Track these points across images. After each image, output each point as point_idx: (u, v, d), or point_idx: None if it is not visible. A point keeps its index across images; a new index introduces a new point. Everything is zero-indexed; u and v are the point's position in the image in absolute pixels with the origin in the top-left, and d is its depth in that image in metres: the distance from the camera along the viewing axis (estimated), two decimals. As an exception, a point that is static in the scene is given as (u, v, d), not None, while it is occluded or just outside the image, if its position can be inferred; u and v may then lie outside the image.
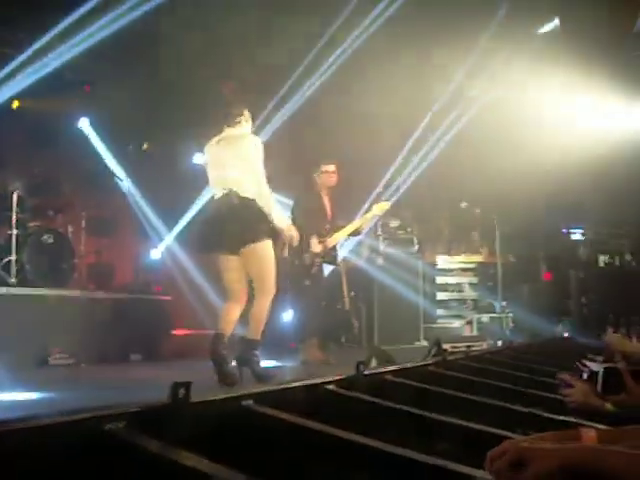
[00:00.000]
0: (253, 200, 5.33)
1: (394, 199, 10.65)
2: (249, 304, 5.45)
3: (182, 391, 2.23)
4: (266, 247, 5.29)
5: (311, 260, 7.14)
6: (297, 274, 7.18)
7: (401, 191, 10.89)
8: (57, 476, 1.96)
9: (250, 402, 2.51)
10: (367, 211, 7.86)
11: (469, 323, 10.72)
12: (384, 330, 10.33)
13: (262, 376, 5.15)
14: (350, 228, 7.54)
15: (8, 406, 4.08)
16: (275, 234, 5.42)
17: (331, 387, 2.99)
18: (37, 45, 7.98)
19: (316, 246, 7.18)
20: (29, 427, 2.02)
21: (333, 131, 10.63)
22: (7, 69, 8.02)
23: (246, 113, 5.69)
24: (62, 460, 1.99)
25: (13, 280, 7.70)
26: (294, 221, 7.50)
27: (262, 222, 5.33)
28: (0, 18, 8.52)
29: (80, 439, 2.08)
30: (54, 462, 1.97)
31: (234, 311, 5.39)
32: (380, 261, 10.71)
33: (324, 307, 7.23)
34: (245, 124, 5.66)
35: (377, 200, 8.26)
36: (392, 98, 9.58)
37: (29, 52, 8.02)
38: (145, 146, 11.47)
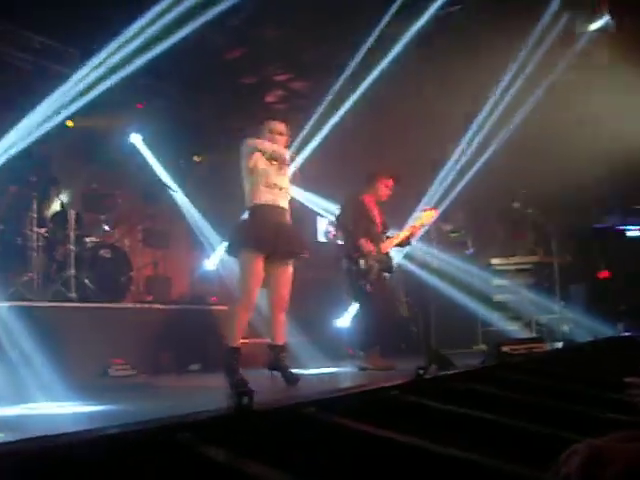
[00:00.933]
0: (245, 208, 5.62)
1: (447, 202, 10.59)
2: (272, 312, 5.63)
3: (245, 400, 2.25)
4: (240, 255, 5.47)
5: (367, 264, 7.08)
6: (356, 280, 7.14)
7: (453, 194, 10.81)
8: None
9: (312, 409, 2.52)
10: (415, 219, 7.73)
11: (527, 325, 10.55)
12: (441, 334, 10.24)
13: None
14: (399, 237, 7.45)
15: (72, 418, 4.13)
16: (261, 245, 5.44)
17: (392, 392, 2.98)
18: (90, 63, 8.13)
19: (367, 245, 7.10)
20: (97, 438, 2.06)
21: (384, 135, 10.63)
22: (62, 88, 8.17)
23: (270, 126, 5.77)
24: (130, 470, 2.02)
25: (73, 295, 7.86)
26: (341, 226, 7.50)
27: (237, 232, 5.59)
28: (54, 35, 8.76)
29: (147, 449, 2.11)
30: (122, 472, 2.00)
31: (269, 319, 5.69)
32: (435, 265, 10.64)
33: (385, 314, 7.16)
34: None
35: (423, 208, 8.07)
36: (444, 99, 9.51)
37: (82, 71, 8.17)
38: (196, 158, 11.61)
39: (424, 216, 7.50)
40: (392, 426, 2.46)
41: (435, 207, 8.18)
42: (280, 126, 5.75)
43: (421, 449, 2.24)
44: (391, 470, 2.29)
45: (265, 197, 5.53)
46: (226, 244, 5.76)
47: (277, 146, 5.67)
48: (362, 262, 7.05)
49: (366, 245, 7.08)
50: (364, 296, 7.14)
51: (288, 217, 5.67)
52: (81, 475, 1.92)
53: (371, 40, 9.42)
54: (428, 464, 2.22)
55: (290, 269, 5.63)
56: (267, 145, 5.63)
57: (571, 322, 10.36)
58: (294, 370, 5.56)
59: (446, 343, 9.52)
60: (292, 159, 5.86)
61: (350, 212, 7.35)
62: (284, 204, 5.65)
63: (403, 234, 7.47)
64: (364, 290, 7.06)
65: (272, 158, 5.61)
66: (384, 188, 7.42)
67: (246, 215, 5.63)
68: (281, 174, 5.65)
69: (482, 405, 3.05)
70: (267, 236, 5.42)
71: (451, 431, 2.77)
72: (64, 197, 8.90)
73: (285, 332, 5.67)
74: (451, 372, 3.88)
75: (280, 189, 5.60)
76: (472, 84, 9.36)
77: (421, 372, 3.20)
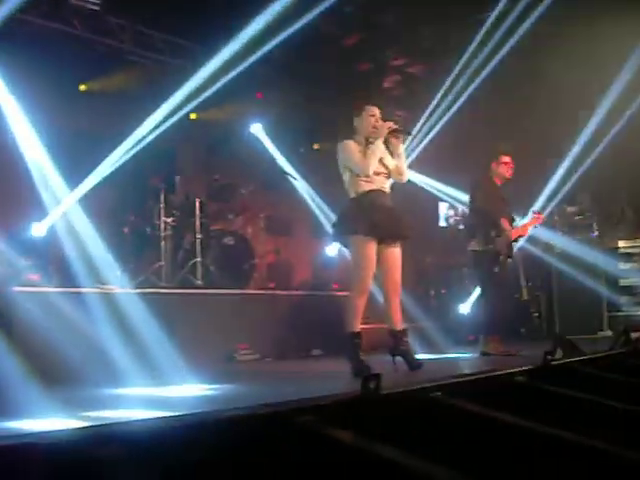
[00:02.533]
0: (348, 199, 5.54)
1: (571, 183, 10.31)
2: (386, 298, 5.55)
3: (372, 384, 2.28)
4: (352, 242, 5.41)
5: (501, 245, 6.94)
6: (487, 262, 7.02)
7: (578, 175, 10.47)
8: (253, 467, 2.06)
9: (439, 394, 2.53)
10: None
11: (657, 309, 10.14)
12: (565, 320, 10.00)
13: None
14: (521, 229, 7.32)
15: (202, 400, 4.30)
16: (373, 229, 5.35)
17: (519, 378, 2.95)
18: (211, 58, 8.32)
19: (506, 225, 6.96)
20: (225, 419, 2.14)
21: (507, 117, 10.42)
22: (185, 83, 8.41)
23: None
24: (258, 451, 2.09)
25: (199, 281, 8.13)
26: (476, 207, 7.35)
27: (346, 218, 5.54)
28: (176, 32, 9.04)
29: (273, 431, 2.17)
30: (250, 453, 2.07)
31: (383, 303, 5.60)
32: (558, 249, 10.37)
33: (506, 299, 7.00)
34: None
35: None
36: (569, 77, 9.20)
37: (204, 65, 8.38)
38: (316, 146, 11.72)
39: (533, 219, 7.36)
40: (518, 412, 2.45)
41: (540, 213, 7.73)
42: (376, 111, 5.63)
43: (547, 435, 2.22)
44: (518, 456, 2.28)
45: (367, 185, 5.47)
46: (333, 230, 5.73)
47: (376, 130, 5.58)
48: (498, 242, 6.90)
49: (505, 225, 6.96)
50: (491, 279, 7.02)
51: (390, 200, 5.62)
52: (210, 453, 2.00)
53: (490, 19, 9.24)
54: (555, 451, 2.20)
55: (399, 252, 5.56)
56: (362, 139, 5.56)
57: None
58: (417, 355, 5.56)
59: (570, 329, 9.27)
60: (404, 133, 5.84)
61: (484, 193, 7.22)
62: (385, 188, 5.59)
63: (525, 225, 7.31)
64: (492, 273, 6.93)
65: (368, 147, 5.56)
66: (503, 166, 7.24)
67: (351, 202, 5.53)
68: (380, 160, 5.57)
69: (611, 392, 2.98)
70: (378, 220, 5.37)
71: (578, 418, 2.72)
72: (189, 187, 9.18)
73: (403, 317, 5.64)
74: (578, 358, 3.79)
75: (378, 174, 5.55)
76: (598, 60, 9.02)
77: (548, 358, 3.14)
